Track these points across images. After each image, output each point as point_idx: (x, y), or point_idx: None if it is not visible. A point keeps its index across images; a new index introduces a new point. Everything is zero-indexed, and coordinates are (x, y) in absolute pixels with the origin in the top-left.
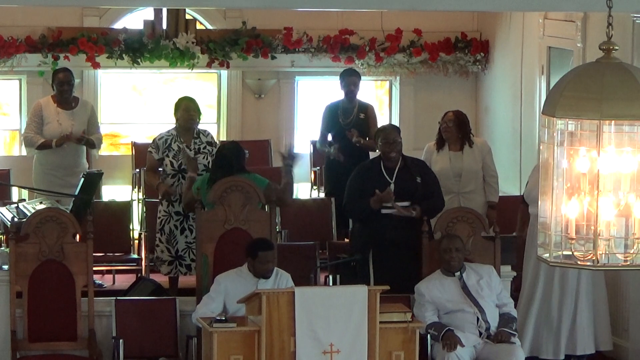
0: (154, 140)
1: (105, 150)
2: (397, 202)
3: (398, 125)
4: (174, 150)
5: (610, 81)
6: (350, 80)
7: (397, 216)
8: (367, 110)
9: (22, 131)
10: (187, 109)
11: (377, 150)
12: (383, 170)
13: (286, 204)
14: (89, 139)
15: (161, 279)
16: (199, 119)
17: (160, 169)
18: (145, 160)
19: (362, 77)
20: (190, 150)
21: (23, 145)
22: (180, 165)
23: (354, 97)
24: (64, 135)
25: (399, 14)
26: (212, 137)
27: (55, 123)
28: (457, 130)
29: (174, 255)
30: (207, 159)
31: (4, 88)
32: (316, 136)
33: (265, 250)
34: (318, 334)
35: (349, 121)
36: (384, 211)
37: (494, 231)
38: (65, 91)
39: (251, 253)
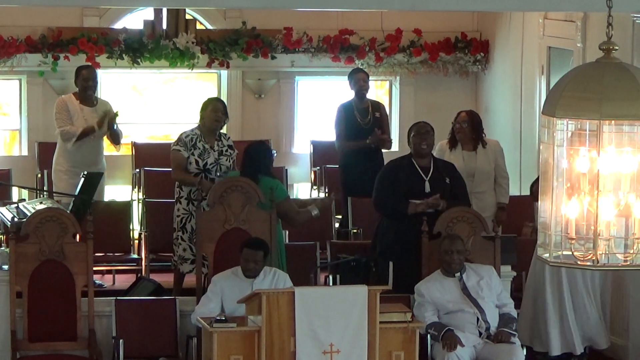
0: (178, 138)
1: (105, 150)
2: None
3: (397, 126)
4: (199, 149)
5: (610, 81)
6: (359, 76)
7: (427, 215)
8: (380, 109)
9: (24, 132)
10: (215, 110)
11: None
12: (417, 167)
13: (294, 225)
14: (117, 127)
15: (161, 279)
16: (225, 122)
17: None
18: (145, 159)
19: None
20: (214, 151)
21: (26, 145)
22: (205, 164)
23: (364, 95)
24: (104, 114)
25: (399, 14)
26: (232, 141)
27: (82, 119)
28: (471, 131)
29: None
30: (229, 161)
31: (4, 88)
32: (316, 136)
33: (249, 248)
34: (318, 334)
35: (367, 121)
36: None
37: (494, 231)
38: (90, 87)
39: (240, 248)
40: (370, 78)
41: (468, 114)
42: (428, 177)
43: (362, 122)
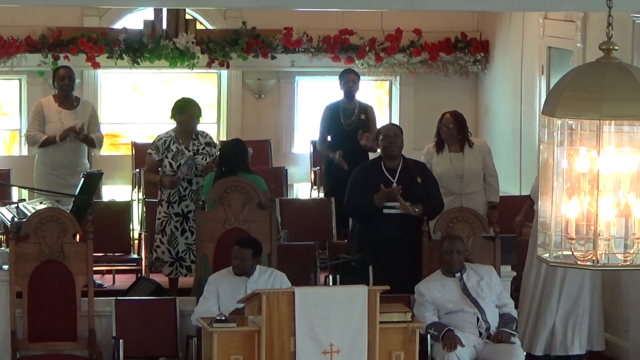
0: (153, 141)
1: (105, 150)
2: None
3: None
4: (172, 151)
5: (610, 81)
6: (348, 77)
7: (397, 216)
8: (367, 111)
9: (24, 132)
10: (192, 116)
11: (378, 149)
12: (384, 170)
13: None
14: (88, 135)
15: (161, 279)
16: (199, 122)
17: (159, 169)
18: (145, 160)
19: (362, 77)
20: (189, 151)
21: (25, 145)
22: (179, 166)
23: (353, 95)
24: (68, 128)
25: (399, 14)
26: (210, 138)
27: (58, 122)
28: (457, 132)
29: (175, 257)
30: (205, 159)
31: (4, 88)
32: (316, 136)
33: (238, 246)
34: (318, 334)
35: (350, 122)
36: (385, 211)
37: (494, 231)
38: (66, 86)
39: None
40: (370, 78)
41: (452, 114)
42: (395, 179)
43: (345, 123)
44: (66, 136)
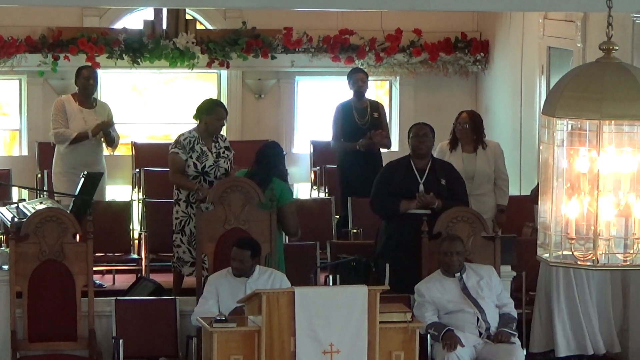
0: (176, 140)
1: (105, 150)
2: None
3: (397, 126)
4: (197, 152)
5: (610, 81)
6: (357, 76)
7: (422, 217)
8: (379, 109)
9: (24, 132)
10: (220, 118)
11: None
12: (414, 168)
13: (287, 233)
14: (111, 132)
15: (161, 279)
16: (224, 125)
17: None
18: (145, 159)
19: None
20: (212, 154)
21: (26, 145)
22: (204, 167)
23: (363, 94)
24: (101, 123)
25: (399, 14)
26: (228, 142)
27: (81, 120)
28: (472, 132)
29: (195, 257)
30: (226, 162)
31: (4, 88)
32: (316, 136)
33: (237, 247)
34: (318, 334)
35: (365, 121)
36: (411, 210)
37: (493, 231)
38: (90, 86)
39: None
40: (370, 78)
41: (469, 114)
42: (423, 180)
43: (359, 122)
44: (99, 131)
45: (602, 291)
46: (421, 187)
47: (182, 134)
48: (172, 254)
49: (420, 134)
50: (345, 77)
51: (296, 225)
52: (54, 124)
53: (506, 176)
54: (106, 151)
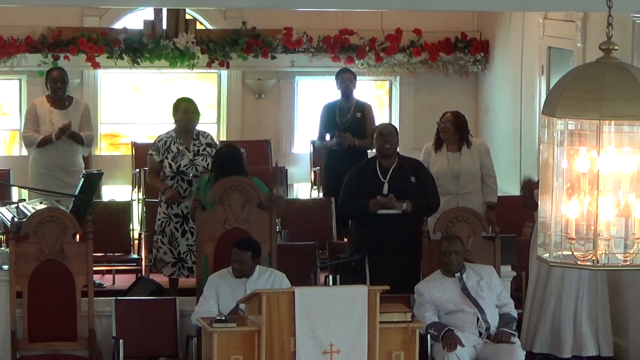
0: (154, 142)
1: (105, 150)
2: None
3: (397, 126)
4: (173, 152)
5: (610, 81)
6: (344, 76)
7: (393, 217)
8: (364, 109)
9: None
10: (186, 111)
11: (373, 149)
12: (378, 169)
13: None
14: (76, 133)
15: (161, 279)
16: (198, 120)
17: (160, 171)
18: (145, 159)
19: (362, 77)
20: (190, 152)
21: (24, 146)
22: (179, 167)
23: (350, 94)
24: (62, 126)
25: (399, 14)
26: (211, 138)
27: (48, 122)
28: (455, 131)
29: (177, 257)
30: (206, 160)
31: (4, 88)
32: (315, 136)
33: (237, 248)
34: (318, 334)
35: (345, 120)
36: (380, 211)
37: (493, 231)
38: (58, 89)
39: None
40: (370, 78)
41: (453, 114)
42: (387, 179)
43: (340, 121)
44: (61, 135)
45: (595, 293)
46: (385, 187)
47: (159, 136)
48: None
49: (384, 133)
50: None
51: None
52: (24, 127)
53: (493, 173)
54: (105, 151)
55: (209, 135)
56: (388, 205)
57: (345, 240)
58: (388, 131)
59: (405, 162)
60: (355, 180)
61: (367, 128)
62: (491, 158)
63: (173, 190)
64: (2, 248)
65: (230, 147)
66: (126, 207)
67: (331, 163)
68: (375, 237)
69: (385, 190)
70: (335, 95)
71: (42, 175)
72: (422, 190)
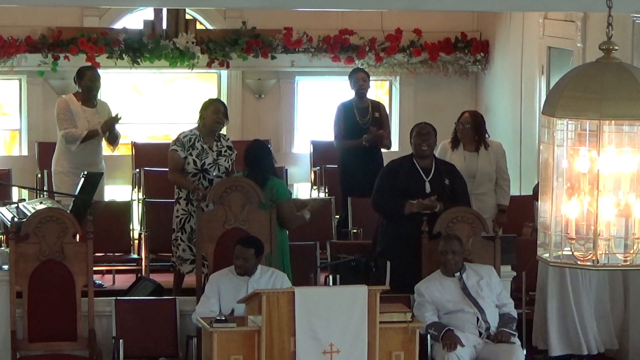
0: (177, 138)
1: (105, 150)
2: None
3: (397, 126)
4: (197, 149)
5: (610, 81)
6: (358, 76)
7: (422, 216)
8: (380, 109)
9: (24, 132)
10: (217, 111)
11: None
12: (419, 168)
13: (288, 228)
14: (117, 131)
15: (161, 279)
16: (225, 124)
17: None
18: (145, 159)
19: None
20: (213, 152)
21: (26, 145)
22: (204, 165)
23: (364, 94)
24: (109, 119)
25: (399, 14)
26: (230, 142)
27: (84, 120)
28: (474, 132)
29: (195, 255)
30: (228, 162)
31: (4, 88)
32: (316, 136)
33: (241, 245)
34: (318, 334)
35: (366, 120)
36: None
37: (494, 231)
38: (96, 88)
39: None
40: (370, 78)
41: (471, 114)
42: (429, 178)
43: (361, 121)
44: (108, 128)
45: (600, 291)
46: (427, 186)
47: (184, 132)
48: (171, 254)
49: (423, 133)
50: (346, 77)
51: (296, 220)
52: (63, 124)
53: (508, 176)
54: (107, 150)
55: (228, 138)
56: (430, 207)
57: (350, 240)
58: (427, 131)
59: (441, 164)
60: (391, 177)
61: (384, 126)
62: (506, 161)
63: (205, 190)
64: (2, 248)
65: (262, 143)
66: (126, 207)
67: (349, 162)
68: (408, 237)
69: (428, 189)
70: (336, 95)
71: (69, 173)
72: (454, 195)
